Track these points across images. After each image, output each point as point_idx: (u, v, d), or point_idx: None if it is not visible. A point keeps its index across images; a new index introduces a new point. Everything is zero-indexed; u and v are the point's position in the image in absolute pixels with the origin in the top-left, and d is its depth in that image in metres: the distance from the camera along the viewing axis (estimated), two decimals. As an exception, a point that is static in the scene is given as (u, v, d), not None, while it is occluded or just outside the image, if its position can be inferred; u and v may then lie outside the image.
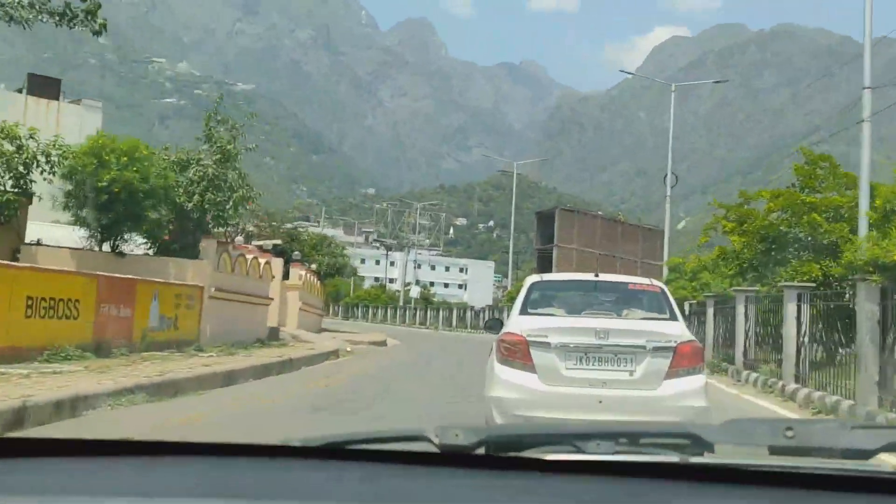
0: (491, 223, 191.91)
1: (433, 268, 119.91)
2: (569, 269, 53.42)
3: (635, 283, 8.36)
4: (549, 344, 6.93)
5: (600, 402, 6.73)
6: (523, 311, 7.53)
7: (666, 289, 8.06)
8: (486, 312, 57.48)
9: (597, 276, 8.30)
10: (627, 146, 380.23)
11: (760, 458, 1.37)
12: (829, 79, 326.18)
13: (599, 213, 68.64)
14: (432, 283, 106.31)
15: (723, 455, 1.40)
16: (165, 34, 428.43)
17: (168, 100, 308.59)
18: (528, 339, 6.98)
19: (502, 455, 1.40)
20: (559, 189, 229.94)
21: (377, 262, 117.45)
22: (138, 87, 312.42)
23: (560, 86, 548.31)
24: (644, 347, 6.91)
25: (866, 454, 1.43)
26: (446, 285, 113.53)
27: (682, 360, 6.96)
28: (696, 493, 1.27)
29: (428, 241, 76.35)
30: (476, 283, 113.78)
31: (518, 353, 6.98)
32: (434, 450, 1.38)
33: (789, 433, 1.36)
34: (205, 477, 1.29)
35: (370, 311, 71.93)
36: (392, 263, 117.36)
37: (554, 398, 6.79)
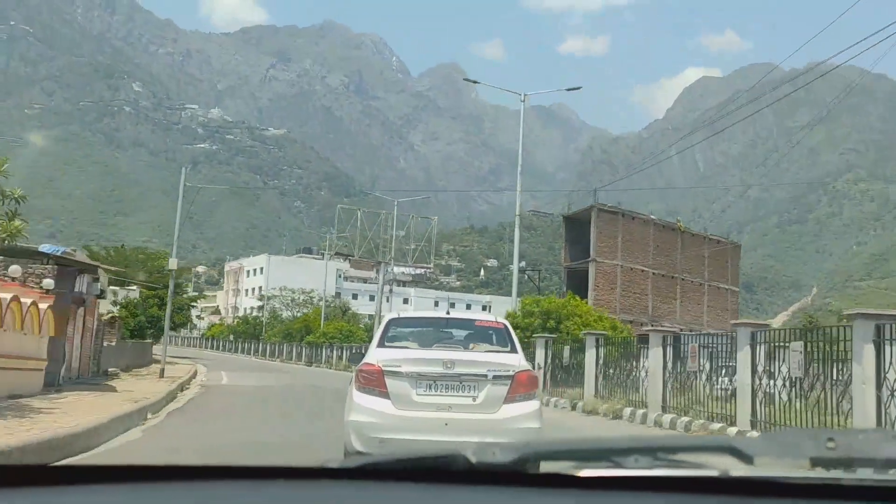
0: (523, 264, 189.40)
1: (453, 305, 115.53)
2: (610, 294, 42.92)
3: (481, 320, 9.26)
4: (401, 373, 7.67)
5: (446, 424, 7.49)
6: (381, 345, 8.22)
7: (508, 325, 8.86)
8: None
9: (448, 313, 9.52)
10: (659, 188, 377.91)
11: (802, 471, 1.35)
12: (863, 117, 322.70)
13: (652, 216, 50.23)
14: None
15: (763, 468, 1.37)
16: (201, 82, 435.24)
17: (200, 145, 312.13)
18: (384, 368, 7.70)
19: (539, 472, 1.38)
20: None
21: (405, 301, 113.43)
22: (171, 133, 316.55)
23: (591, 128, 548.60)
24: (485, 376, 7.69)
25: None
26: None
27: (519, 387, 7.76)
28: None
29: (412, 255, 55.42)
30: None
31: (374, 381, 7.69)
32: (472, 468, 1.36)
33: (831, 444, 1.33)
34: (245, 500, 1.28)
35: (335, 351, 56.13)
36: (406, 301, 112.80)
37: (405, 421, 7.48)
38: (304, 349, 63.40)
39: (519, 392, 7.73)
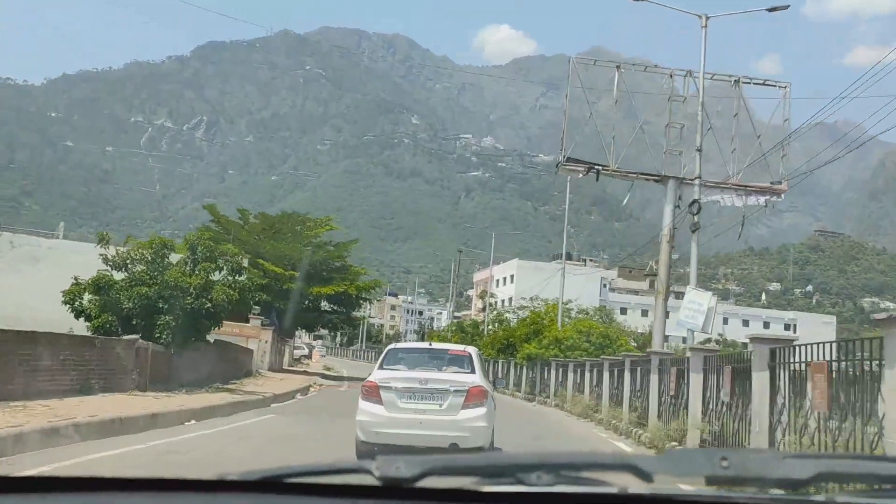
0: (809, 288, 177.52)
1: (746, 323, 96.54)
2: None
3: (453, 350, 12.52)
4: (391, 387, 10.79)
5: (421, 422, 10.48)
6: (380, 367, 11.45)
7: (472, 352, 12.02)
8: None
9: (430, 345, 13.84)
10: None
11: (697, 489, 1.37)
12: None
13: None
14: (746, 345, 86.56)
15: (661, 486, 1.39)
16: (474, 113, 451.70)
17: (473, 173, 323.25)
18: (379, 384, 10.86)
19: (443, 487, 1.37)
20: (889, 250, 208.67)
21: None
22: (446, 162, 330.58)
23: (883, 143, 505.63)
24: (448, 390, 10.76)
25: (799, 483, 1.43)
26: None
27: (472, 398, 10.75)
28: None
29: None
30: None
31: (373, 393, 10.83)
32: (375, 482, 1.35)
33: (724, 463, 1.36)
34: None
35: (564, 372, 32.28)
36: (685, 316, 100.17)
37: (393, 420, 10.54)
38: (522, 369, 40.71)
39: (471, 401, 10.74)
